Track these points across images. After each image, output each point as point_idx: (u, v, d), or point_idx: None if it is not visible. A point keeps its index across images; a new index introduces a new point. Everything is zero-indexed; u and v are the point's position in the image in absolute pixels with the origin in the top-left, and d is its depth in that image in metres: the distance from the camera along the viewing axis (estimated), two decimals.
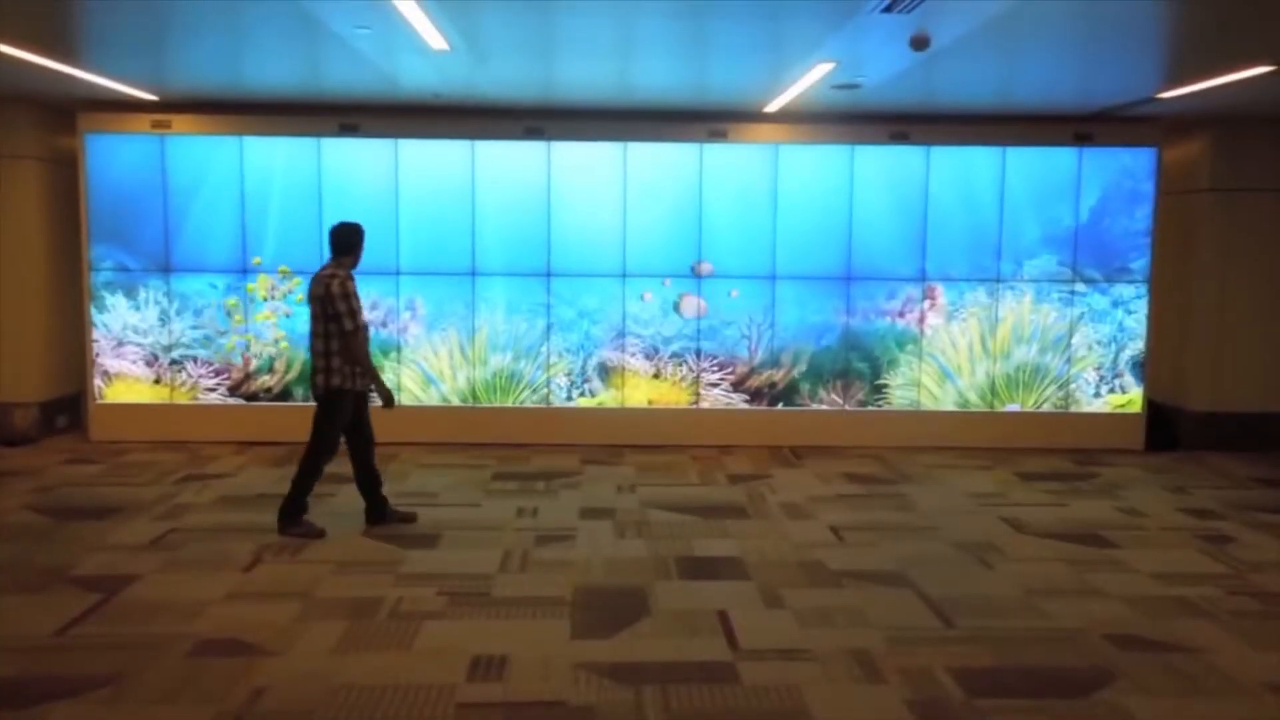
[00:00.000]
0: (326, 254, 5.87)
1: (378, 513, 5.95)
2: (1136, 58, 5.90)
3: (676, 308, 8.18)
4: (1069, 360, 8.28)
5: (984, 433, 8.30)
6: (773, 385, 8.30)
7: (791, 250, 8.17)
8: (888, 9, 4.55)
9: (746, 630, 4.47)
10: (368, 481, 5.92)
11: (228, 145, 8.04)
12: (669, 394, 8.29)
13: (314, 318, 5.61)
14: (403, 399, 8.24)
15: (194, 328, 8.13)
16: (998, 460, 7.92)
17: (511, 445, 8.11)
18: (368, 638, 4.34)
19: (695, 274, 8.14)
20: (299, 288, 8.05)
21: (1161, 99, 7.01)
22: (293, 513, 5.75)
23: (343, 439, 5.78)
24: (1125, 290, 8.22)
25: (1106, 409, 8.33)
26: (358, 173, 8.09)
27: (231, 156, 8.04)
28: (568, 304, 8.18)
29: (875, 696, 3.85)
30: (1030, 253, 8.20)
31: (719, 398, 8.30)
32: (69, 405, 8.50)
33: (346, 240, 5.71)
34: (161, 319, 8.14)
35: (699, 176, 8.12)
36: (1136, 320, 8.24)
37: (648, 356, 8.25)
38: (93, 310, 8.12)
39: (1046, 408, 8.33)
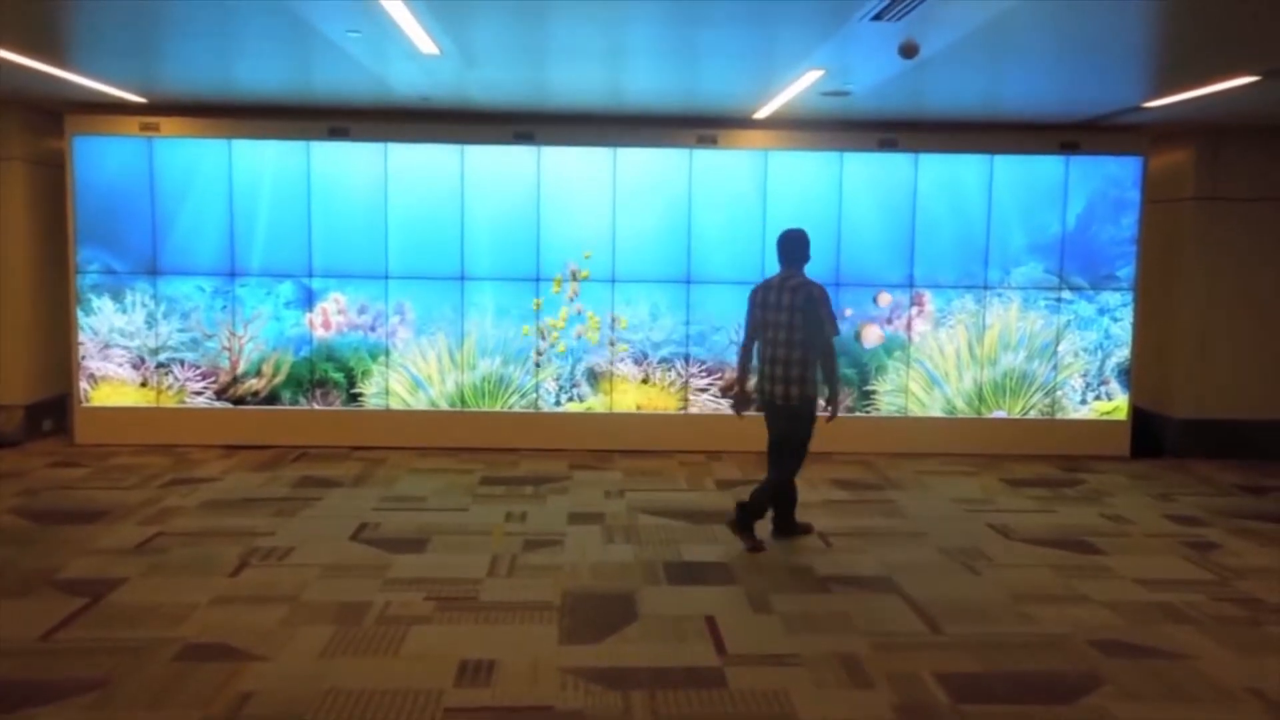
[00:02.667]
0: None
1: (785, 524, 5.92)
2: (1123, 67, 5.94)
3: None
4: (1055, 367, 8.32)
5: (971, 439, 8.33)
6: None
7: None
8: (877, 17, 4.58)
9: (734, 635, 4.47)
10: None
11: (216, 148, 8.02)
12: (657, 399, 8.30)
13: (789, 327, 5.51)
14: (391, 403, 8.23)
15: (181, 330, 8.11)
16: (984, 466, 7.95)
17: (500, 450, 8.11)
18: (355, 642, 4.33)
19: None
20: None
21: (1148, 108, 7.07)
22: (752, 519, 5.69)
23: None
24: (1111, 298, 8.27)
25: (1092, 416, 8.38)
26: (347, 176, 8.08)
27: (220, 159, 8.02)
28: (557, 309, 8.18)
29: (862, 701, 3.87)
30: (1017, 260, 8.24)
31: (707, 403, 8.32)
32: (54, 408, 8.46)
33: (806, 248, 5.68)
34: (148, 322, 8.11)
35: (688, 182, 8.14)
36: (1122, 328, 8.29)
37: (636, 362, 8.26)
38: (79, 313, 8.08)
39: (1033, 414, 8.37)
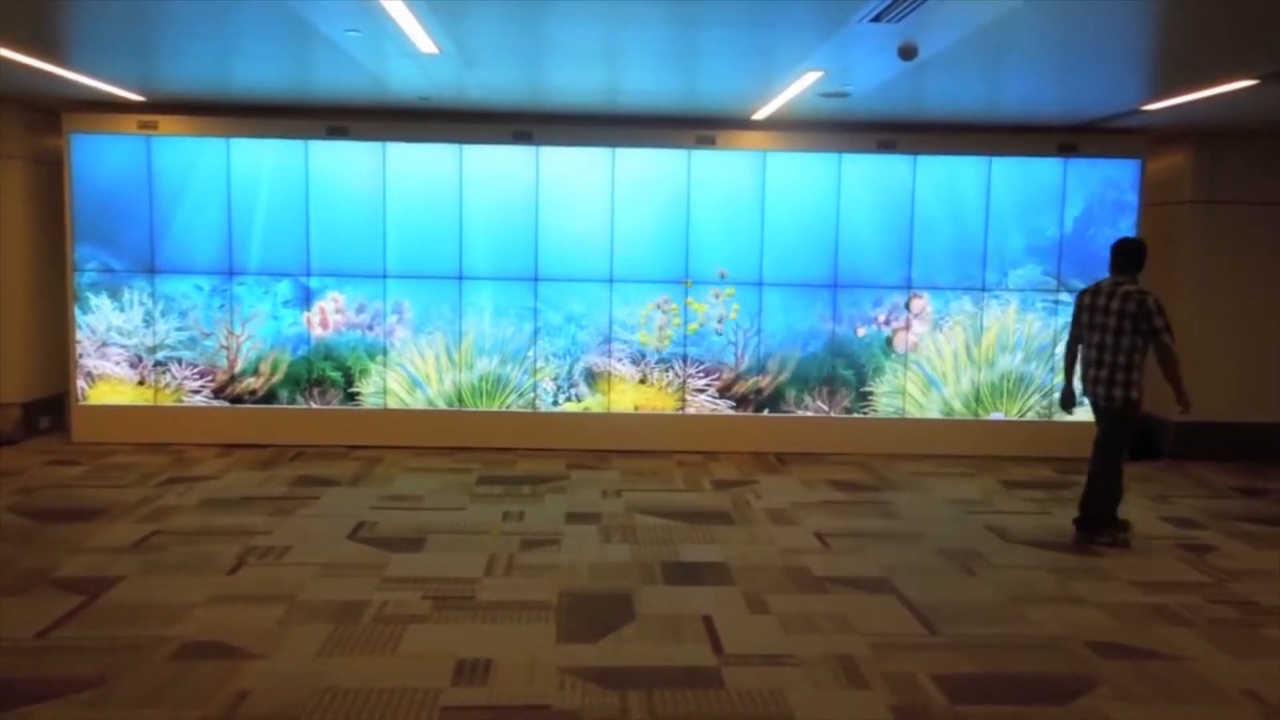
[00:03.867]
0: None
1: (1094, 520, 6.02)
2: (1121, 70, 5.95)
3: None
4: (1053, 369, 8.33)
5: (968, 440, 8.34)
6: (758, 392, 8.32)
7: (778, 257, 8.20)
8: (876, 19, 4.58)
9: (731, 635, 4.48)
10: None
11: (215, 147, 8.01)
12: (655, 400, 8.30)
13: (1115, 331, 5.75)
14: (388, 402, 8.23)
15: (179, 328, 8.10)
16: (982, 468, 7.95)
17: (497, 449, 8.11)
18: (352, 641, 4.33)
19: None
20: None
21: (1146, 111, 7.08)
22: (1111, 521, 5.98)
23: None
24: None
25: (1090, 418, 8.36)
26: (346, 176, 8.08)
27: (218, 158, 8.02)
28: (555, 308, 8.19)
29: (859, 702, 3.87)
30: (1015, 262, 8.25)
31: (705, 404, 8.32)
32: (52, 406, 8.45)
33: (1140, 258, 5.88)
34: (146, 320, 8.10)
35: (687, 182, 8.14)
36: None
37: (634, 362, 8.26)
38: (76, 311, 8.07)
39: (1030, 416, 8.38)
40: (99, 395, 8.15)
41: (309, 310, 8.15)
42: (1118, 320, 5.75)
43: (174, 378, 8.17)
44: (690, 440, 8.30)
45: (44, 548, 5.49)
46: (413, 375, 8.24)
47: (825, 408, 8.34)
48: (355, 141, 8.03)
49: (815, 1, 4.48)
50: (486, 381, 8.26)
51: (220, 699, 3.76)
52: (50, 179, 8.18)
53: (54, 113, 8.04)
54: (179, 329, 8.13)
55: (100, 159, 7.99)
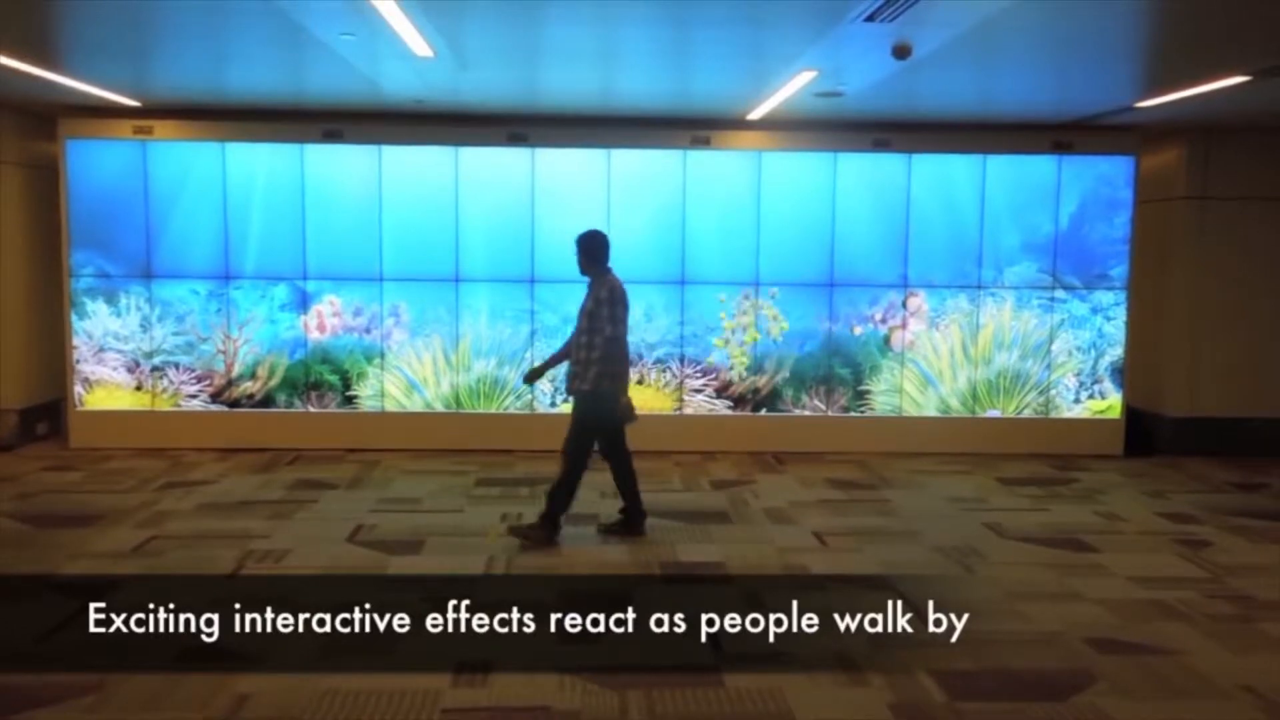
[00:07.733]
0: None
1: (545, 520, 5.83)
2: (1115, 67, 5.97)
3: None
4: (1049, 366, 8.35)
5: (965, 438, 8.35)
6: (756, 391, 8.33)
7: (775, 257, 8.21)
8: (870, 18, 4.60)
9: (730, 634, 4.47)
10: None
11: (210, 151, 8.01)
12: (653, 400, 8.30)
13: (579, 329, 5.73)
14: (386, 405, 8.23)
15: (176, 333, 8.10)
16: (979, 465, 7.97)
17: (495, 451, 8.10)
18: (352, 643, 4.32)
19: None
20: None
21: (1140, 108, 7.10)
22: (551, 519, 5.75)
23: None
24: (1104, 297, 8.30)
25: (1086, 414, 8.40)
26: (341, 179, 8.08)
27: (214, 162, 8.01)
28: (551, 310, 8.19)
29: (858, 699, 3.89)
30: (1011, 259, 8.26)
31: (702, 404, 8.33)
32: (49, 412, 8.44)
33: (587, 245, 5.72)
34: (143, 325, 8.10)
35: (682, 183, 8.15)
36: (1115, 327, 8.31)
37: (631, 363, 8.25)
38: (73, 316, 8.07)
39: (1027, 413, 8.39)
40: (96, 401, 8.15)
41: (306, 314, 8.15)
42: (580, 315, 5.74)
43: (171, 382, 8.16)
44: (688, 440, 8.30)
45: (43, 553, 5.48)
46: (410, 378, 8.24)
47: (823, 407, 8.35)
48: (350, 145, 8.03)
49: (809, 1, 4.49)
50: (484, 383, 8.26)
51: (220, 703, 3.77)
52: (46, 185, 8.17)
53: (49, 118, 8.03)
54: (176, 334, 8.12)
55: (96, 164, 7.98)
